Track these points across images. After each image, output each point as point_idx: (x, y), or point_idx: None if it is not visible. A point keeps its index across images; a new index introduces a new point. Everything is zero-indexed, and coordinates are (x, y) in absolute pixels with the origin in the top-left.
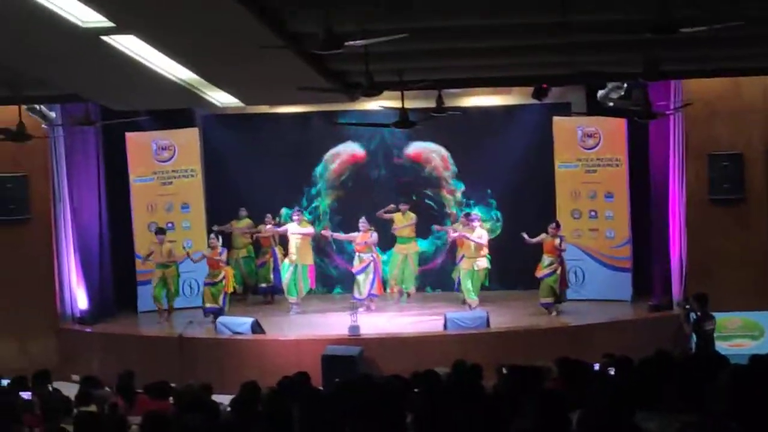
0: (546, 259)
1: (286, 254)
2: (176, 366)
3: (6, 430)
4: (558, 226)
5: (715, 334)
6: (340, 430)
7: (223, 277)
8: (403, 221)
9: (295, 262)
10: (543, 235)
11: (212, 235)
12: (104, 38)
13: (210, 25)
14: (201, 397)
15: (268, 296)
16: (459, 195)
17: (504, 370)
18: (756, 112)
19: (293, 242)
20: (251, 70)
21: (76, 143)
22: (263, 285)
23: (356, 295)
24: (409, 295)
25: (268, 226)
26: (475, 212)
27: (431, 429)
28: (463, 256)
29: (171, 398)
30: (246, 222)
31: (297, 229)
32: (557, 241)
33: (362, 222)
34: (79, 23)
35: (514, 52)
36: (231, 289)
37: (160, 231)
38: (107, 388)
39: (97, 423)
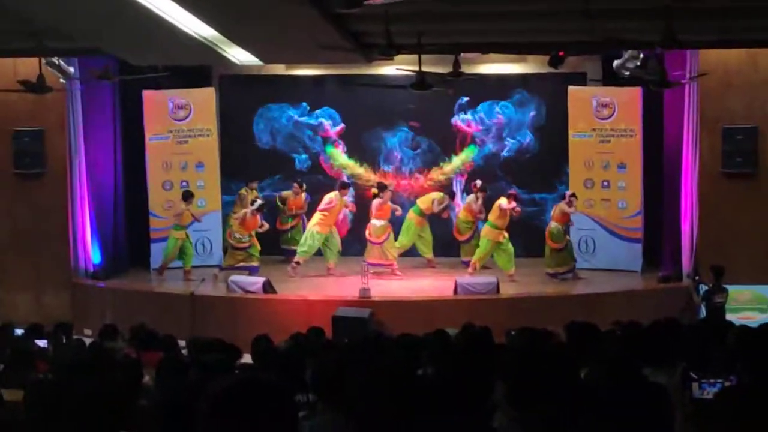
0: (562, 227)
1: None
2: (187, 323)
3: (20, 375)
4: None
5: (726, 306)
6: (353, 381)
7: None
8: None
9: (328, 233)
10: (563, 205)
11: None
12: None
13: None
14: (215, 342)
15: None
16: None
17: (513, 333)
18: None
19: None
20: (271, 28)
21: (93, 99)
22: (292, 247)
23: (370, 260)
24: (428, 261)
25: (303, 194)
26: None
27: (442, 384)
28: (477, 226)
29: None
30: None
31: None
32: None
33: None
34: None
35: (533, 17)
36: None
37: (190, 194)
38: (121, 342)
39: (112, 361)
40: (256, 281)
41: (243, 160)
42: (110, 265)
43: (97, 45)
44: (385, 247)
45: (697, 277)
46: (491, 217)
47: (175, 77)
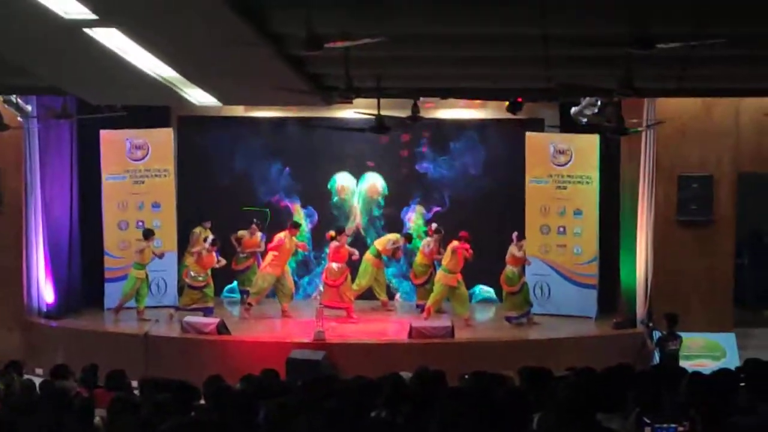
0: (516, 270)
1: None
2: (140, 364)
3: None
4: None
5: (680, 354)
6: (306, 423)
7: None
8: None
9: (280, 274)
10: (513, 248)
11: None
12: (87, 31)
13: (192, 21)
14: (168, 380)
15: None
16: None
17: (466, 377)
18: (727, 134)
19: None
20: (230, 70)
21: (50, 138)
22: (248, 288)
23: (326, 303)
24: (383, 303)
25: (258, 233)
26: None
27: (395, 426)
28: (434, 270)
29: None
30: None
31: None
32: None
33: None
34: (63, 14)
35: (492, 63)
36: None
37: (150, 232)
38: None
39: (66, 400)
40: (211, 322)
41: (200, 201)
42: (64, 304)
43: (55, 84)
44: (341, 289)
45: (650, 324)
46: (444, 261)
47: (133, 117)
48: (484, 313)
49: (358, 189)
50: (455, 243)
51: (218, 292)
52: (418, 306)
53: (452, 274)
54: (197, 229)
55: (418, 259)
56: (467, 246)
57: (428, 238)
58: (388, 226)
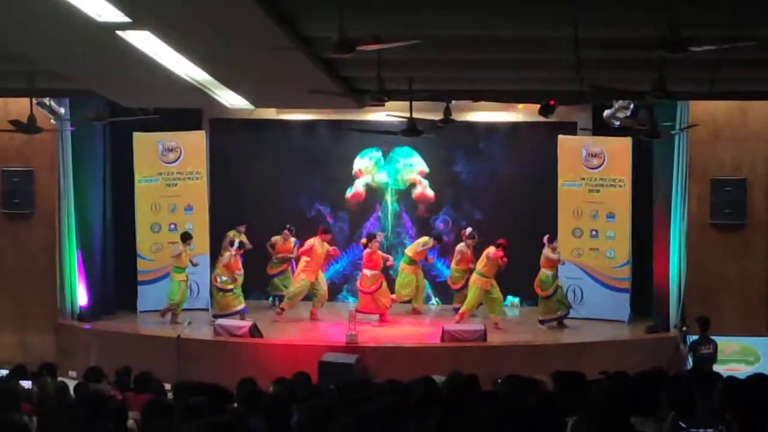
0: (551, 274)
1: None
2: (173, 366)
3: (5, 416)
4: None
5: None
6: (339, 427)
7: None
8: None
9: (314, 279)
10: (547, 251)
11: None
12: (120, 34)
13: (224, 24)
14: (201, 383)
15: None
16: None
17: (499, 381)
18: (761, 138)
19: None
20: (263, 72)
21: (83, 140)
22: (281, 293)
23: (361, 309)
24: (414, 308)
25: (292, 239)
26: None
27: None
28: (469, 274)
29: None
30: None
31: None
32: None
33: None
34: (96, 17)
35: (524, 66)
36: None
37: (188, 236)
38: (107, 384)
39: (100, 402)
40: (243, 325)
41: (232, 204)
42: (97, 306)
43: (88, 86)
44: (375, 296)
45: (684, 328)
46: (479, 265)
47: (166, 120)
48: (513, 316)
49: (390, 189)
50: (491, 249)
51: (250, 296)
52: (455, 309)
53: (486, 279)
54: (231, 233)
55: (453, 265)
56: (502, 254)
57: (462, 244)
58: (419, 229)
